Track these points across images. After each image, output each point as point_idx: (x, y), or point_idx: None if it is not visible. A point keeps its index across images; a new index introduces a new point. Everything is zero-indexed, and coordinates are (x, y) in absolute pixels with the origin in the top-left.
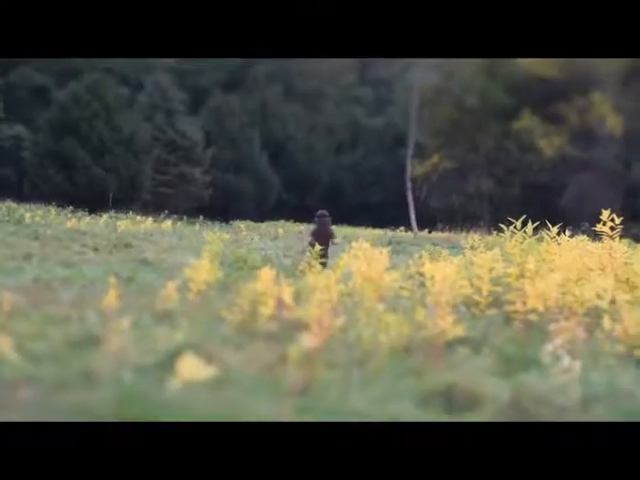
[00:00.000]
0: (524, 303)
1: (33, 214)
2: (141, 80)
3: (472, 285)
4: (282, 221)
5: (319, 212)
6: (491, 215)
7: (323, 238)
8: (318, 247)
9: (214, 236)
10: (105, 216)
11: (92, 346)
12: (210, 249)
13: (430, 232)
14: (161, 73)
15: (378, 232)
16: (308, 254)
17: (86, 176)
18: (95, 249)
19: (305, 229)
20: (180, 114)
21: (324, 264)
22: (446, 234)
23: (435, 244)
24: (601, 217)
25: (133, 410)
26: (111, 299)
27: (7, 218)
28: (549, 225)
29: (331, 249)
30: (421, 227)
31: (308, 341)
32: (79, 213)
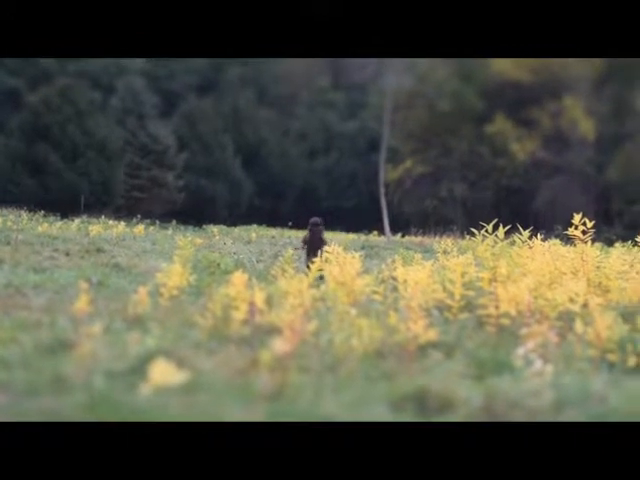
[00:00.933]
0: (496, 307)
1: (5, 219)
2: (113, 84)
3: (445, 289)
4: (255, 225)
5: (313, 220)
6: (464, 219)
7: (315, 246)
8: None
9: (185, 241)
10: (77, 221)
11: (63, 351)
12: (182, 254)
13: (403, 236)
14: (134, 77)
15: (352, 236)
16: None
17: (58, 181)
18: (67, 254)
19: (278, 233)
20: (153, 118)
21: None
22: (419, 238)
23: (408, 248)
24: (573, 221)
25: (104, 415)
26: (82, 304)
27: None
28: (521, 229)
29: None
30: (394, 231)
31: (280, 346)
32: (51, 218)
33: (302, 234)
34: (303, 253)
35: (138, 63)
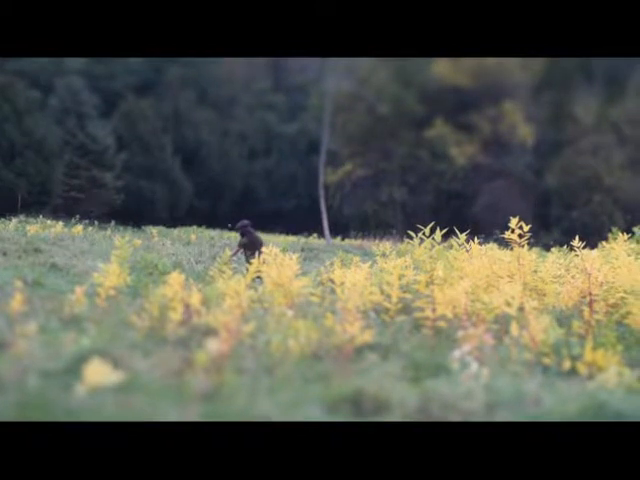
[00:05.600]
0: (433, 310)
1: None
2: (52, 83)
3: (382, 292)
4: (194, 227)
5: (240, 223)
6: (404, 223)
7: (252, 247)
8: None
9: (123, 241)
10: (15, 220)
11: None
12: (119, 254)
13: (343, 239)
14: (73, 76)
15: (291, 239)
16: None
17: None
18: (4, 253)
19: (217, 235)
20: (92, 118)
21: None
22: (359, 241)
23: (348, 251)
24: (510, 225)
25: (37, 415)
26: (17, 303)
27: None
28: (459, 233)
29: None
30: (334, 234)
31: (215, 346)
32: None
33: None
34: (242, 256)
35: (78, 62)
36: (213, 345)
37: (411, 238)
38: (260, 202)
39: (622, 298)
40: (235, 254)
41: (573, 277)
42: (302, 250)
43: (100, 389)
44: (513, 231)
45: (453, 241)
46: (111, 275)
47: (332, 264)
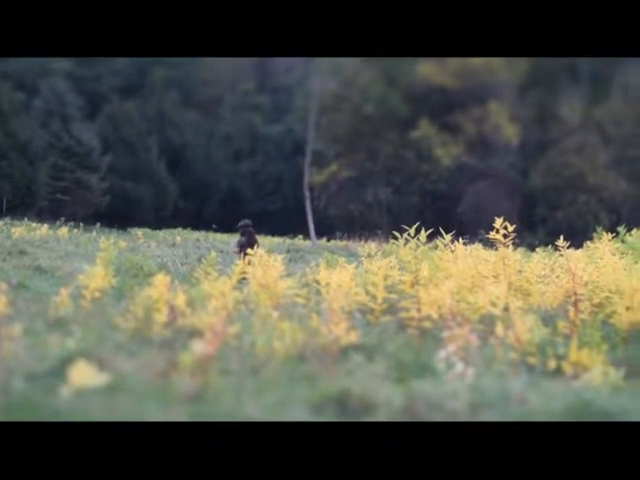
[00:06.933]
0: (418, 310)
1: None
2: (37, 85)
3: (367, 292)
4: (180, 229)
5: (243, 222)
6: (389, 223)
7: (249, 248)
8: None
9: (108, 243)
10: (0, 223)
11: None
12: (104, 256)
13: (329, 240)
14: (57, 78)
15: (277, 240)
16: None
17: None
18: None
19: (203, 236)
20: (76, 120)
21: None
22: (344, 242)
23: (333, 252)
24: (495, 225)
25: (23, 418)
26: (1, 306)
27: None
28: (444, 233)
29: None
30: (320, 235)
31: (200, 348)
32: None
33: (228, 237)
34: (240, 257)
35: (62, 64)
36: (198, 346)
37: (396, 239)
38: (245, 203)
39: (607, 297)
40: (240, 252)
41: (558, 277)
42: (288, 251)
43: (85, 391)
44: (498, 231)
45: (438, 241)
46: (96, 277)
47: (317, 265)
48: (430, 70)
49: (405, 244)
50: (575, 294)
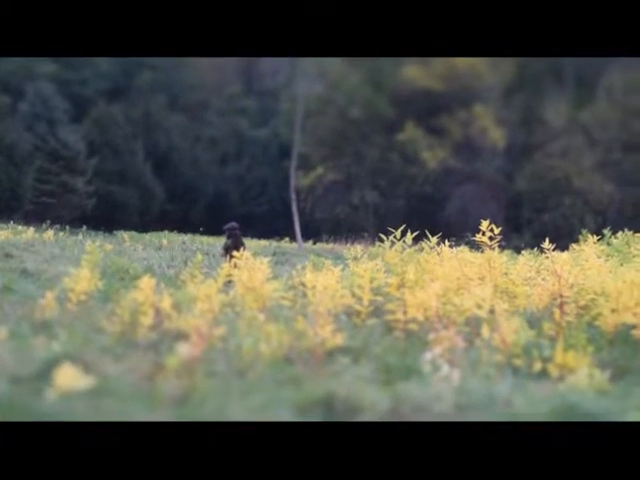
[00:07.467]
0: (404, 312)
1: None
2: (23, 88)
3: (353, 295)
4: (166, 232)
5: (229, 225)
6: (375, 226)
7: (235, 251)
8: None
9: (93, 246)
10: None
11: None
12: (90, 259)
13: (315, 243)
14: (43, 81)
15: (263, 243)
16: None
17: None
18: None
19: (189, 239)
20: (62, 123)
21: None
22: (331, 245)
23: (320, 255)
24: (481, 227)
25: (9, 420)
26: None
27: None
28: (430, 236)
29: None
30: (306, 238)
31: (186, 350)
32: None
33: (214, 240)
34: (226, 259)
35: (48, 67)
36: (184, 349)
37: (382, 241)
38: (232, 206)
39: (592, 300)
40: (226, 255)
41: (544, 279)
42: (274, 254)
43: (71, 394)
44: (484, 234)
45: (424, 244)
46: (82, 280)
47: (304, 268)
48: (416, 73)
49: (391, 247)
50: (561, 296)
